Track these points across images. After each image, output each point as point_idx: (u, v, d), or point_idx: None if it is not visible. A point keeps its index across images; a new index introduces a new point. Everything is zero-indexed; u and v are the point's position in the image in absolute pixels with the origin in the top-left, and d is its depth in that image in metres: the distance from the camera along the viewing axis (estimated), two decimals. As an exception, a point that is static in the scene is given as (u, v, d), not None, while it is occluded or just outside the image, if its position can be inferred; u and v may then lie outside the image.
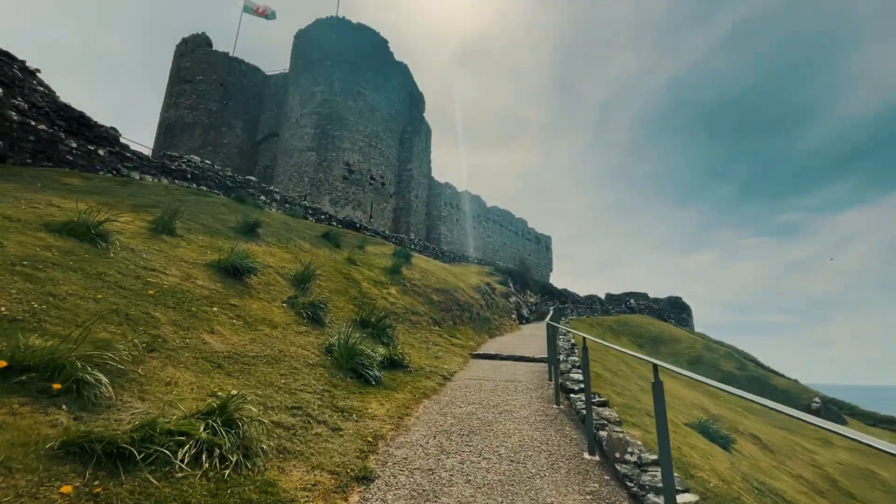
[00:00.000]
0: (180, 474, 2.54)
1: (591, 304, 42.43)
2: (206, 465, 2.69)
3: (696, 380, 2.49)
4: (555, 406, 5.81)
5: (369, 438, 4.03)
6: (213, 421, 2.99)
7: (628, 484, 3.37)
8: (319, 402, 4.54)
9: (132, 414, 2.97)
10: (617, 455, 3.75)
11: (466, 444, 4.24)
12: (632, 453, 3.73)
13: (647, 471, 3.48)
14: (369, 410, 4.83)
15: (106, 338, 3.76)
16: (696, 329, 51.80)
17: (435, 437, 4.40)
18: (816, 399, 34.30)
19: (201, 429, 2.85)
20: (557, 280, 47.26)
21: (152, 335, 4.33)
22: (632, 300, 48.82)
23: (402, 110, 35.85)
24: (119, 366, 3.44)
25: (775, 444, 15.93)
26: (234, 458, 2.81)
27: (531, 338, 14.94)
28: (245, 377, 4.45)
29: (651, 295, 51.61)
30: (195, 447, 2.72)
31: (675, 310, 51.28)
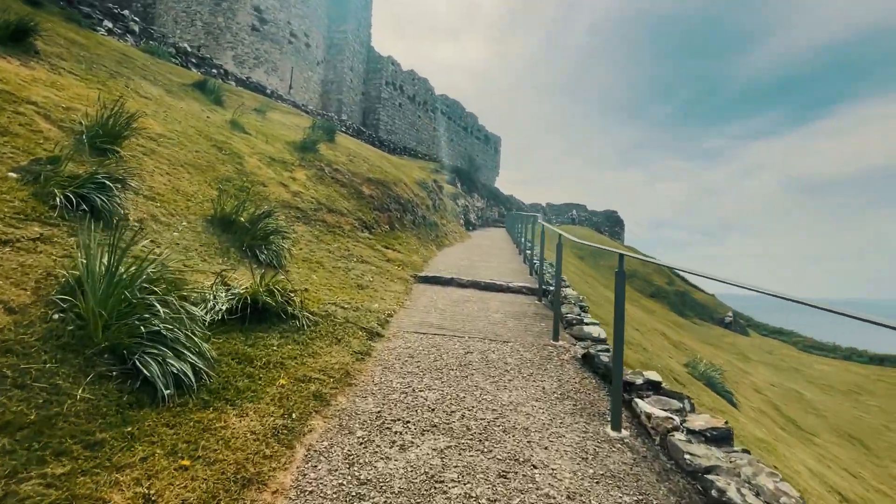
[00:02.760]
0: None
1: (521, 213, 40.91)
2: None
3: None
4: (612, 432, 2.64)
5: None
6: None
7: None
8: None
9: None
10: None
11: None
12: None
13: None
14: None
15: None
16: (626, 243, 53.28)
17: None
18: (729, 313, 36.67)
19: None
20: (501, 186, 44.67)
21: None
22: (574, 211, 48.24)
23: (336, -52, 27.40)
24: None
25: (723, 368, 15.37)
26: None
27: (490, 250, 11.87)
28: None
29: (589, 207, 51.38)
30: None
31: (610, 223, 51.75)
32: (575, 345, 4.29)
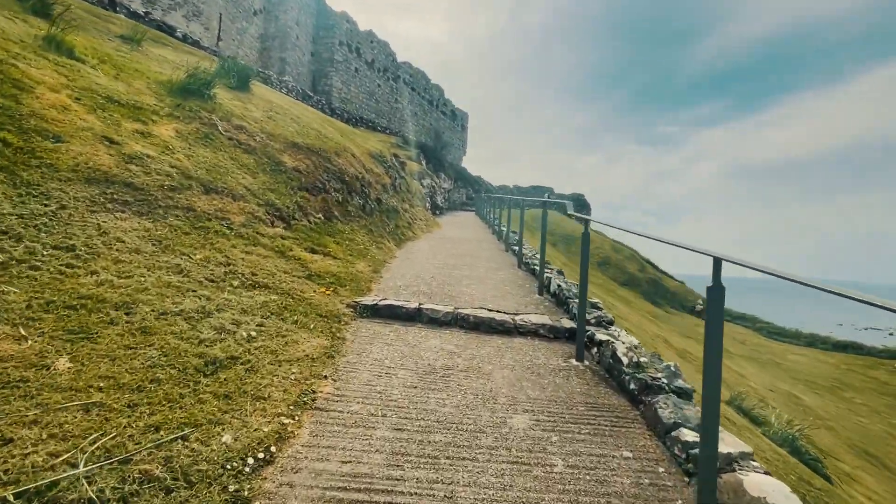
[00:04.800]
0: None
1: (501, 197, 38.68)
2: None
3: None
4: None
5: None
6: None
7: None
8: None
9: None
10: None
11: None
12: None
13: None
14: None
15: None
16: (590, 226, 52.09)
17: None
18: (699, 301, 35.97)
19: None
20: (467, 166, 42.04)
21: None
22: (546, 195, 46.47)
23: None
24: None
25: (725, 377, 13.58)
26: None
27: (468, 246, 9.02)
28: None
29: (555, 191, 49.90)
30: None
31: (577, 207, 50.40)
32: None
